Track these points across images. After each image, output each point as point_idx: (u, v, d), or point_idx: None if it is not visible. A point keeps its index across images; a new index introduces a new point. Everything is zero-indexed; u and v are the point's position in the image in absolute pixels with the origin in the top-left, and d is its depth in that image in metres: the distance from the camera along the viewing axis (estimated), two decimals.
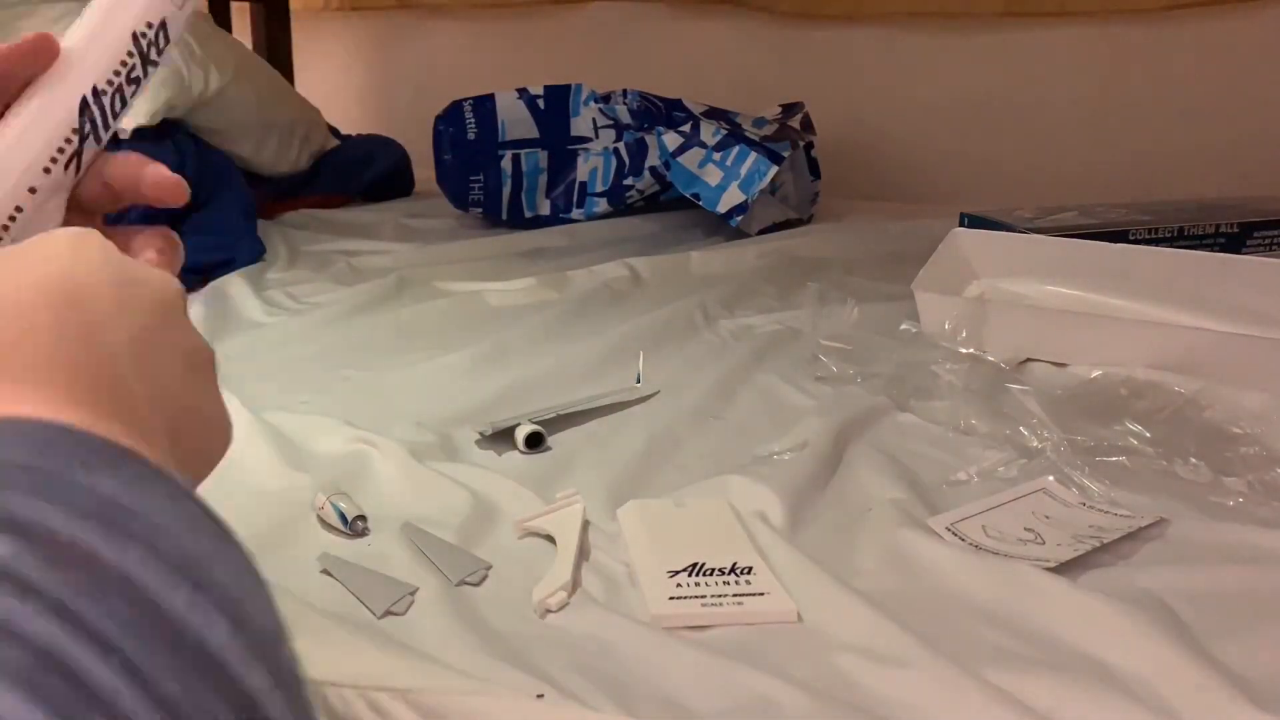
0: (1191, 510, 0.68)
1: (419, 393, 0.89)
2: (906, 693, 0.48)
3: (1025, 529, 0.65)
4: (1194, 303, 0.98)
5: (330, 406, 0.84)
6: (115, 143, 0.46)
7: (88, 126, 0.44)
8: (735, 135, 1.46)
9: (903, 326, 0.97)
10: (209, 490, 0.28)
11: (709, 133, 1.47)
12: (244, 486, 0.69)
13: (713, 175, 1.43)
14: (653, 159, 1.49)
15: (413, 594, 0.56)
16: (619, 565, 0.61)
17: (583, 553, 0.61)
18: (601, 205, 1.54)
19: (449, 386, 0.90)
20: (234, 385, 0.89)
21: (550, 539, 0.62)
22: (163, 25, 0.46)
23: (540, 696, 0.47)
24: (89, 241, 0.34)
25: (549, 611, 0.55)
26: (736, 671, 0.49)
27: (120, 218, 0.50)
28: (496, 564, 0.60)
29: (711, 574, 0.58)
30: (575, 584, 0.58)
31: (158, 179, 0.45)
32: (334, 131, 1.83)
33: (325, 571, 0.59)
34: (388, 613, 0.54)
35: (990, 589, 0.57)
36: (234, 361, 0.96)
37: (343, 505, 0.64)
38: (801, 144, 1.56)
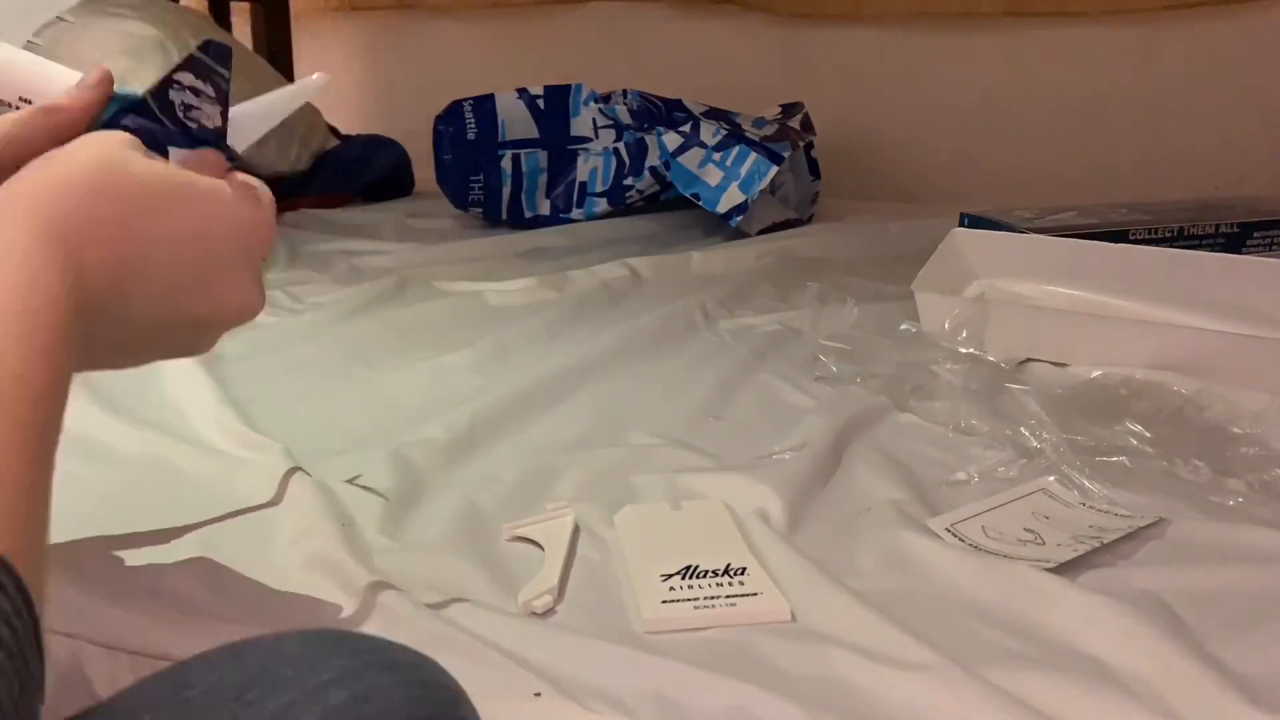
0: (1191, 510, 0.68)
1: (419, 393, 0.89)
2: (905, 693, 0.48)
3: (1025, 529, 0.65)
4: (1194, 303, 0.98)
5: (331, 407, 0.84)
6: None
7: None
8: (735, 135, 1.46)
9: (903, 326, 0.97)
10: None
11: (709, 133, 1.47)
12: (239, 491, 0.69)
13: (713, 175, 1.43)
14: (653, 159, 1.48)
15: None
16: (614, 569, 0.60)
17: (571, 558, 0.61)
18: (601, 205, 1.54)
19: (449, 386, 0.90)
20: (234, 387, 0.89)
21: (539, 545, 0.62)
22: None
23: (538, 695, 0.47)
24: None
25: (534, 614, 0.55)
26: (732, 671, 0.49)
27: None
28: (489, 567, 0.60)
29: (705, 576, 0.57)
30: (562, 587, 0.58)
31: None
32: (334, 131, 1.83)
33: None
34: None
35: (990, 589, 0.57)
36: (234, 362, 0.96)
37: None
38: (801, 144, 1.56)
